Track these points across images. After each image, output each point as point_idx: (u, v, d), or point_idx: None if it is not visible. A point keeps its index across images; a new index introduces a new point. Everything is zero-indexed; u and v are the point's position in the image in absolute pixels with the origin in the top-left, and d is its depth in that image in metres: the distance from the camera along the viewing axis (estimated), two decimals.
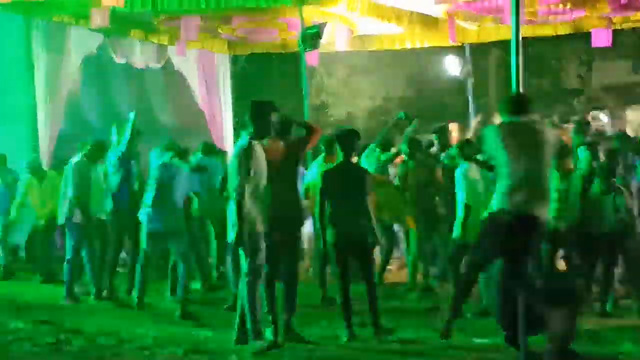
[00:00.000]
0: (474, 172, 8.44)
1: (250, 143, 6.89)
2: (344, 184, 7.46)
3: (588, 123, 11.19)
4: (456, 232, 8.48)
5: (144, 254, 9.06)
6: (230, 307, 8.89)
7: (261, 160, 6.95)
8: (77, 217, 9.77)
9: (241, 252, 6.86)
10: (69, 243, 9.80)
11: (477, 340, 7.19)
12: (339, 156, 7.65)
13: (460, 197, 8.46)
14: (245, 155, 6.82)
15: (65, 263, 9.74)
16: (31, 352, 6.76)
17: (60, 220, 9.95)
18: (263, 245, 6.88)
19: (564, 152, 9.09)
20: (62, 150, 12.38)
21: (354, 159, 7.89)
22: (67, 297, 9.65)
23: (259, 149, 6.96)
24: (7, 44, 13.04)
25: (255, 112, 7.10)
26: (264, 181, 6.94)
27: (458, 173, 8.57)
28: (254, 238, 6.83)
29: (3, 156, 11.88)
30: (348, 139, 7.66)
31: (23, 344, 6.98)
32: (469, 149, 8.63)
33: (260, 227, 6.88)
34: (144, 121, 15.81)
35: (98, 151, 10.07)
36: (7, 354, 6.68)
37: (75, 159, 10.00)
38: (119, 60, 14.95)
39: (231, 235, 6.86)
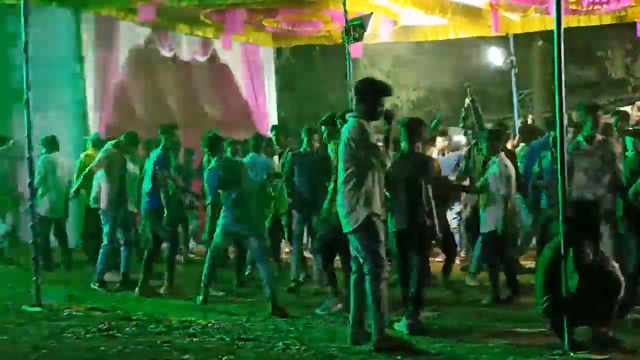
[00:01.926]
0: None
1: (360, 121, 6.43)
2: (406, 173, 7.42)
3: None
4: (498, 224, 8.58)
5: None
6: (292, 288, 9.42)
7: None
8: (104, 205, 10.08)
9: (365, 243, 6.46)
10: (104, 229, 10.12)
11: (523, 329, 7.23)
12: (404, 145, 7.65)
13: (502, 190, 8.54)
14: (362, 132, 6.36)
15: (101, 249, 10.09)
16: (84, 338, 6.90)
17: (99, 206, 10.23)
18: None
19: None
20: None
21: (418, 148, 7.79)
22: (96, 282, 9.94)
23: (370, 129, 6.49)
24: (57, 37, 13.23)
25: (364, 92, 6.59)
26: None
27: (494, 166, 8.61)
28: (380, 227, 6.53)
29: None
30: (412, 127, 7.68)
31: (76, 330, 7.13)
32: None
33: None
34: (190, 113, 16.12)
35: (130, 143, 10.34)
36: (61, 339, 6.84)
37: (106, 147, 10.34)
38: (166, 53, 15.14)
39: (348, 225, 6.50)
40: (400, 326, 7.34)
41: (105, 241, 10.07)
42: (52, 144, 11.58)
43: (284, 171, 10.03)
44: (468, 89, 10.16)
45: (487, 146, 8.83)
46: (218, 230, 8.83)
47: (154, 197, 9.54)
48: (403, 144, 7.68)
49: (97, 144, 11.60)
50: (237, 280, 10.18)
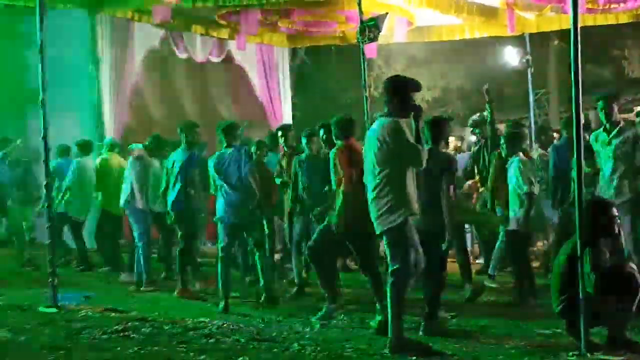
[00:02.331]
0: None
1: (394, 119, 6.31)
2: (429, 171, 7.23)
3: None
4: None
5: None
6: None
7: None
8: (140, 205, 10.15)
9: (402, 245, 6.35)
10: (139, 229, 10.18)
11: (539, 330, 7.20)
12: (429, 143, 7.55)
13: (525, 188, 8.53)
14: (399, 131, 6.24)
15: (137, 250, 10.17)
16: (100, 338, 6.92)
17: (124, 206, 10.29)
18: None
19: None
20: (127, 143, 12.63)
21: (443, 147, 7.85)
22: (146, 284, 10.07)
23: (407, 128, 6.37)
24: (73, 39, 13.33)
25: (396, 89, 6.48)
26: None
27: (514, 166, 8.60)
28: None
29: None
30: (438, 126, 7.69)
31: (93, 331, 7.15)
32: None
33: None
34: (205, 114, 16.17)
35: (158, 146, 10.45)
36: (78, 340, 6.85)
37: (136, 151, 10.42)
38: (181, 54, 15.18)
39: (381, 226, 6.39)
40: None
41: (143, 240, 10.11)
42: (87, 147, 11.77)
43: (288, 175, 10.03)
44: (486, 91, 10.12)
45: (507, 147, 8.83)
46: (219, 227, 8.94)
47: (183, 198, 9.61)
48: (429, 142, 7.64)
49: (114, 147, 11.68)
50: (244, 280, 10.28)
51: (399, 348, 6.29)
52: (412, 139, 6.32)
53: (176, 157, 9.71)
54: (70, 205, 11.73)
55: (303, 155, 9.70)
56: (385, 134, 6.29)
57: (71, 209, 11.73)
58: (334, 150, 7.96)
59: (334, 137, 8.01)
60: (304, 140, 9.68)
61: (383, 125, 6.36)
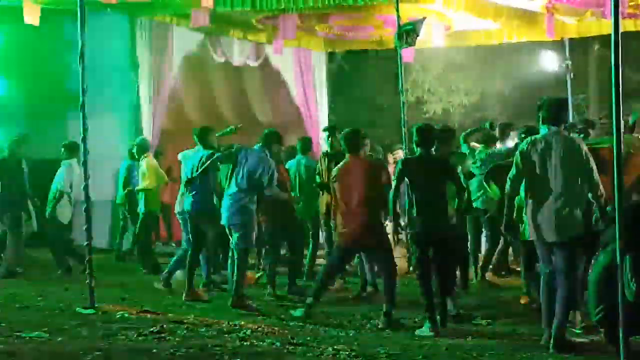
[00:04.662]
0: None
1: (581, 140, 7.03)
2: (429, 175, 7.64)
3: None
4: None
5: None
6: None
7: None
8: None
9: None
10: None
11: (576, 339, 7.12)
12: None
13: None
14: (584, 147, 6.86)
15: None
16: (137, 340, 6.96)
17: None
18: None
19: None
20: (164, 146, 12.70)
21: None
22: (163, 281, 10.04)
23: None
24: (113, 43, 13.40)
25: (556, 107, 6.97)
26: None
27: None
28: None
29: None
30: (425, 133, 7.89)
31: (129, 333, 7.20)
32: None
33: None
34: (242, 118, 16.22)
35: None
36: (114, 341, 6.90)
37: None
38: (219, 58, 15.25)
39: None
40: (422, 331, 7.47)
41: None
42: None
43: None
44: None
45: None
46: None
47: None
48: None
49: (147, 149, 11.69)
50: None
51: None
52: None
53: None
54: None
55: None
56: (583, 150, 6.78)
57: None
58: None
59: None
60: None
61: (576, 141, 6.91)
